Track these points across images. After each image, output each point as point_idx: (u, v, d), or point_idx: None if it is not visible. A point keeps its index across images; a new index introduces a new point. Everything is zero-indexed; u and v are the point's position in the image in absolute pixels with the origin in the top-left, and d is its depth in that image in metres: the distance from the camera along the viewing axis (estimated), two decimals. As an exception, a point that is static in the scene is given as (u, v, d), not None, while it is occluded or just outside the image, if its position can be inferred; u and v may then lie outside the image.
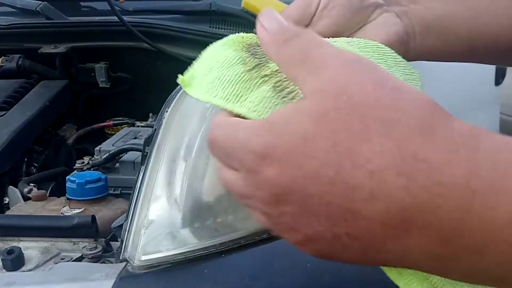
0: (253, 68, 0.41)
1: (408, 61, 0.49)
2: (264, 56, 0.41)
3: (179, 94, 0.82)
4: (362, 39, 0.49)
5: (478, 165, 0.28)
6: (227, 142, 0.34)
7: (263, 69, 0.40)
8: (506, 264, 0.28)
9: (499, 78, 2.18)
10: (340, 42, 0.47)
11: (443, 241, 0.29)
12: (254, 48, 0.43)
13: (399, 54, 0.48)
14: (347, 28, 0.50)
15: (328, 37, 0.48)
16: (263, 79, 0.40)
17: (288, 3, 0.51)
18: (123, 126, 1.37)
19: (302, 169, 0.30)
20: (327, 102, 0.30)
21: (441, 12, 0.52)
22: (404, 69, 0.47)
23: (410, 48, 0.51)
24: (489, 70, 2.12)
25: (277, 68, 0.39)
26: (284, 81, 0.38)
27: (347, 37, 0.50)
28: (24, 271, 0.74)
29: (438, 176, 0.28)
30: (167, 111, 0.80)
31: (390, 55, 0.48)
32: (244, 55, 0.42)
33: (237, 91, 0.39)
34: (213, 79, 0.41)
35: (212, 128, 0.35)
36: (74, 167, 1.12)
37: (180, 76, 0.46)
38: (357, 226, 0.30)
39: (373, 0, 0.50)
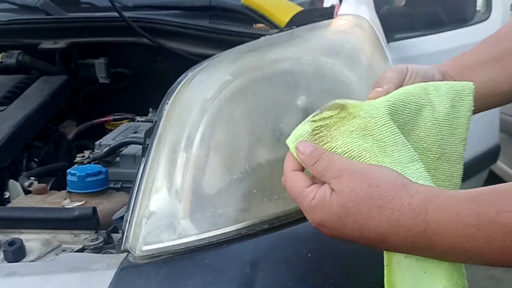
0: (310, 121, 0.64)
1: None
2: (321, 120, 0.64)
3: (179, 87, 0.82)
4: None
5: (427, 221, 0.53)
6: (294, 198, 0.61)
7: (313, 123, 0.64)
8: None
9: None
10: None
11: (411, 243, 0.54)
12: (322, 121, 0.65)
13: None
14: None
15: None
16: (311, 124, 0.63)
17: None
18: (123, 121, 1.37)
19: (342, 232, 0.57)
20: (345, 198, 0.56)
21: (485, 79, 0.73)
22: (454, 96, 0.70)
23: None
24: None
25: (321, 124, 0.63)
26: (322, 127, 0.62)
27: None
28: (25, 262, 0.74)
29: (409, 231, 0.54)
30: (167, 103, 0.80)
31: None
32: (314, 125, 0.65)
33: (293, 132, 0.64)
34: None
35: (284, 174, 0.63)
36: (75, 161, 1.12)
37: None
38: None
39: (438, 76, 0.72)
